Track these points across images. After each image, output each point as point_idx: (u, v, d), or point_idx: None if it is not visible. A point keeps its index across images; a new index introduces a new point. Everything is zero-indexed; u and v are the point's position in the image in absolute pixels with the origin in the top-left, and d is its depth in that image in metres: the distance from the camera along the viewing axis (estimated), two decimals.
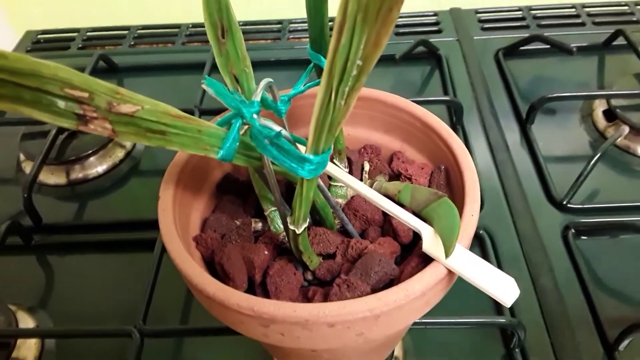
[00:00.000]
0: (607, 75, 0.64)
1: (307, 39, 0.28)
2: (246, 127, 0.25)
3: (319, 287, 0.28)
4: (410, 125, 0.32)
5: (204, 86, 0.25)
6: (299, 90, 0.28)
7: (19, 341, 0.41)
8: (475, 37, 0.71)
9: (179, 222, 0.28)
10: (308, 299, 0.27)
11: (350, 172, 0.33)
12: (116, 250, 0.50)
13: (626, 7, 0.73)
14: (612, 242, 0.47)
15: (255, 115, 0.23)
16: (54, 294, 0.47)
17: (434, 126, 0.31)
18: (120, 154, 0.59)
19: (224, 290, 0.24)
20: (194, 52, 0.72)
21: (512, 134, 0.57)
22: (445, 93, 0.62)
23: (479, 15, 0.74)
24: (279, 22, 0.76)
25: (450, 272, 0.24)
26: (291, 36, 0.74)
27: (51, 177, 0.57)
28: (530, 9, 0.75)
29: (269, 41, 0.73)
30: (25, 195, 0.49)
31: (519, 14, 0.74)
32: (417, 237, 0.29)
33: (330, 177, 0.32)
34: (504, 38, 0.69)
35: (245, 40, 0.78)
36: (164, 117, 0.21)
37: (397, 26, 0.74)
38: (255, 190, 0.31)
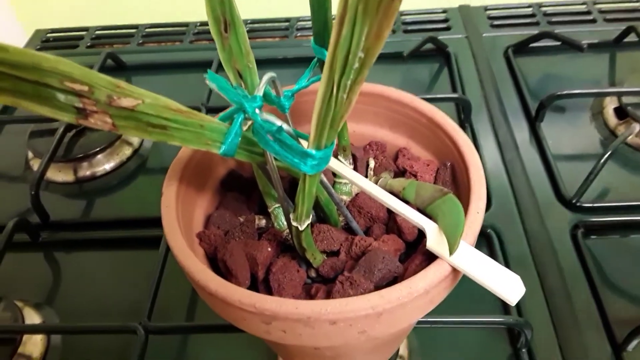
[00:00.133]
0: (618, 73, 0.63)
1: None
2: (250, 122, 0.25)
3: (322, 285, 0.27)
4: (416, 121, 0.32)
5: (208, 82, 0.25)
6: (303, 85, 0.28)
7: (25, 337, 0.42)
8: (484, 34, 0.70)
9: (182, 219, 0.28)
10: (311, 296, 0.27)
11: (355, 169, 0.33)
12: (123, 247, 0.50)
13: (638, 4, 0.72)
14: (621, 242, 0.46)
15: (257, 110, 0.23)
16: (61, 290, 0.47)
17: (440, 122, 0.31)
18: (127, 151, 0.59)
19: (226, 286, 0.23)
20: (201, 50, 0.72)
21: (521, 132, 0.57)
22: (454, 91, 0.62)
23: (488, 12, 0.74)
24: (287, 19, 0.76)
25: (454, 270, 0.24)
26: (299, 34, 0.73)
27: (59, 174, 0.57)
28: (540, 5, 0.74)
29: (276, 39, 0.73)
30: (33, 193, 0.50)
31: (528, 10, 0.73)
32: (422, 235, 0.28)
33: (334, 174, 0.32)
34: (513, 35, 0.69)
35: (253, 38, 0.78)
36: (165, 111, 0.21)
37: (405, 23, 0.74)
38: (259, 187, 0.30)
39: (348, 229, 0.31)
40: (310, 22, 0.80)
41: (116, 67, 0.69)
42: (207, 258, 0.29)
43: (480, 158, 0.52)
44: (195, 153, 0.30)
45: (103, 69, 0.65)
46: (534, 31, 0.67)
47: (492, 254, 0.45)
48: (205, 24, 0.77)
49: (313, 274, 0.29)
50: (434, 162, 0.32)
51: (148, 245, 0.48)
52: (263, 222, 0.31)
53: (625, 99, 0.56)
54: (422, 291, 0.23)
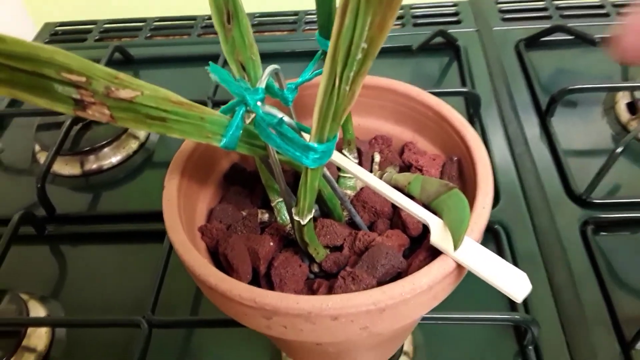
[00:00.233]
0: (631, 67, 0.62)
1: None
2: (253, 115, 0.25)
3: (324, 280, 0.27)
4: (422, 115, 0.31)
5: (210, 74, 0.25)
6: (307, 77, 0.27)
7: (30, 330, 0.42)
8: (495, 28, 0.69)
9: (184, 213, 0.28)
10: (313, 292, 0.26)
11: (360, 163, 0.32)
12: (128, 241, 0.50)
13: None
14: (632, 238, 0.45)
15: (259, 103, 0.23)
16: (66, 283, 0.47)
17: (447, 116, 0.30)
18: (134, 145, 0.59)
19: (226, 281, 0.23)
20: (209, 44, 0.72)
21: (532, 127, 0.56)
22: (463, 85, 0.61)
23: (499, 5, 0.73)
24: (295, 13, 0.75)
25: (459, 266, 0.23)
26: (307, 27, 0.73)
27: (65, 167, 0.57)
28: None
29: (284, 32, 0.73)
30: (39, 186, 0.50)
31: (541, 3, 0.72)
32: (426, 230, 0.28)
33: (339, 168, 0.31)
34: (525, 29, 0.68)
35: (260, 31, 0.78)
36: (164, 103, 0.21)
37: (415, 17, 0.73)
38: (262, 181, 0.30)
39: (352, 224, 0.30)
40: None
41: (124, 61, 0.69)
42: (209, 252, 0.29)
43: (489, 153, 0.52)
44: (198, 146, 0.30)
45: (111, 62, 0.65)
46: (546, 25, 0.66)
47: (499, 250, 0.45)
48: None
49: (316, 269, 0.29)
50: (441, 157, 0.31)
51: (153, 239, 0.48)
52: (266, 216, 0.30)
53: (638, 94, 0.54)
54: (425, 287, 0.23)
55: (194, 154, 0.30)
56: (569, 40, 0.64)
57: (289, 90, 0.26)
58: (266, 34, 0.73)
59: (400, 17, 0.72)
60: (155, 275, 0.43)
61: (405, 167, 0.32)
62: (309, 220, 0.25)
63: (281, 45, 0.70)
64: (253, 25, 0.74)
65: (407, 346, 0.39)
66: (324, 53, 0.28)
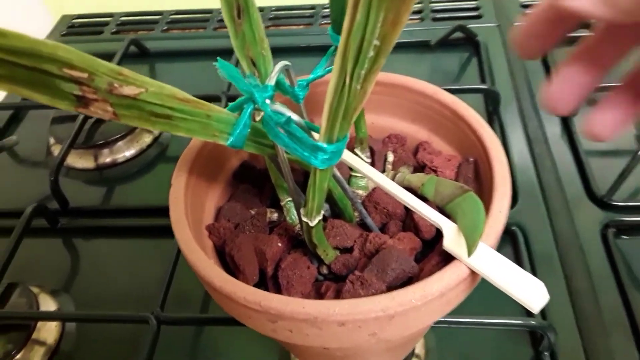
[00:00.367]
0: None
1: None
2: (262, 113, 0.24)
3: (333, 282, 0.26)
4: (438, 114, 0.30)
5: (219, 71, 0.24)
6: (318, 74, 0.27)
7: (40, 323, 0.42)
8: (517, 23, 0.67)
9: (191, 211, 0.28)
10: (320, 295, 0.26)
11: (373, 163, 0.31)
12: (141, 235, 0.50)
13: None
14: None
15: (267, 101, 0.22)
16: (78, 277, 0.47)
17: (464, 115, 0.29)
18: (147, 139, 0.59)
19: (231, 283, 0.23)
20: (225, 38, 0.71)
21: (552, 126, 0.54)
22: (483, 81, 0.60)
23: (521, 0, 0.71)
24: (312, 7, 0.74)
25: (473, 273, 0.23)
26: (323, 22, 0.72)
27: (79, 161, 0.57)
28: None
29: (301, 26, 0.72)
30: (52, 179, 0.50)
31: None
32: (440, 233, 0.27)
33: (351, 168, 0.31)
34: None
35: (277, 25, 0.77)
36: (170, 100, 0.20)
37: (434, 11, 0.71)
38: (272, 180, 0.29)
39: (363, 225, 0.29)
40: None
41: (140, 54, 0.69)
42: (217, 251, 0.28)
43: (508, 152, 0.51)
44: (207, 143, 0.29)
45: (126, 55, 0.65)
46: None
47: (516, 253, 0.44)
48: None
49: (325, 270, 0.28)
50: (456, 157, 0.30)
51: (166, 234, 0.47)
52: (275, 215, 0.30)
53: None
54: (437, 294, 0.22)
55: (203, 151, 0.29)
56: None
57: (299, 88, 0.25)
58: (282, 27, 0.72)
59: (418, 12, 0.71)
60: (165, 271, 0.42)
61: (420, 168, 0.31)
62: (318, 222, 0.24)
63: (297, 39, 0.69)
64: (269, 19, 0.73)
65: (419, 349, 0.38)
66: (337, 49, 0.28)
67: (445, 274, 0.22)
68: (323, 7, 0.74)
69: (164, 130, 0.21)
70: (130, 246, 0.49)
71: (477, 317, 0.37)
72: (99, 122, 0.58)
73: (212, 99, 0.57)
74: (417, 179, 0.28)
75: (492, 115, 0.55)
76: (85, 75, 0.18)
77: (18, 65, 0.17)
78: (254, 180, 0.31)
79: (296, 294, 0.26)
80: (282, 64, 0.23)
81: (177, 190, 0.27)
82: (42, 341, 0.42)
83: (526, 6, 0.70)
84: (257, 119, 0.25)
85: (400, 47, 0.61)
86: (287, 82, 0.26)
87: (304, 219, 0.24)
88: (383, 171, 0.32)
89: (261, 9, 0.74)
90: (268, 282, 0.27)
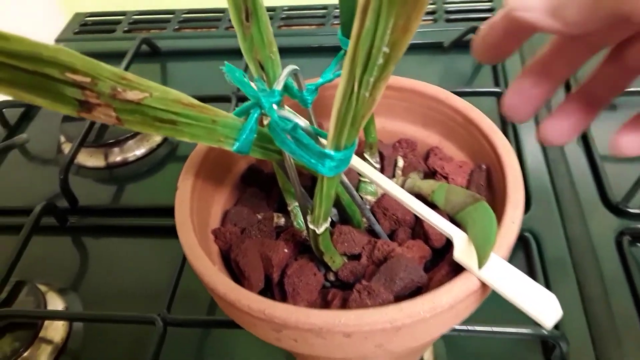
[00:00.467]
0: None
1: None
2: (270, 118, 0.24)
3: (340, 290, 0.26)
4: (450, 119, 0.30)
5: (226, 76, 0.24)
6: (328, 78, 0.26)
7: (47, 322, 0.42)
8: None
9: (197, 215, 0.27)
10: (327, 302, 0.25)
11: (382, 168, 0.31)
12: (150, 235, 0.50)
13: None
14: None
15: (274, 106, 0.21)
16: (86, 276, 0.47)
17: (476, 121, 0.28)
18: (157, 138, 0.59)
19: (235, 290, 0.22)
20: (236, 38, 0.71)
21: None
22: (497, 84, 0.59)
23: None
24: (324, 7, 0.74)
25: (483, 285, 0.22)
26: (336, 22, 0.71)
27: (90, 159, 0.57)
28: None
29: (313, 27, 0.71)
30: (62, 177, 0.50)
31: None
32: (450, 241, 0.26)
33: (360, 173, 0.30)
34: None
35: (288, 25, 0.76)
36: (175, 105, 0.20)
37: (447, 12, 0.70)
38: (279, 184, 0.29)
39: (372, 231, 0.29)
40: None
41: (151, 53, 0.69)
42: (222, 256, 0.28)
43: (521, 156, 0.50)
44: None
45: (138, 54, 0.65)
46: None
47: (528, 260, 0.43)
48: None
49: (332, 277, 0.27)
50: (468, 164, 0.29)
51: (176, 235, 0.47)
52: (282, 220, 0.29)
53: None
54: (446, 306, 0.21)
55: (210, 153, 0.29)
56: None
57: (308, 92, 0.25)
58: (294, 27, 0.71)
59: (432, 12, 0.70)
60: (172, 272, 0.42)
61: (430, 174, 0.30)
62: (325, 229, 0.24)
63: (309, 39, 0.68)
64: (281, 19, 0.72)
65: (428, 355, 0.38)
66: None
67: (455, 285, 0.21)
68: (335, 7, 0.73)
69: (169, 135, 0.20)
70: (139, 246, 0.49)
71: (487, 325, 0.36)
72: None
73: (223, 99, 0.57)
74: (427, 185, 0.27)
75: (506, 119, 0.54)
76: (88, 79, 0.18)
77: (20, 69, 0.17)
78: (261, 184, 0.31)
79: (302, 302, 0.25)
80: (290, 68, 0.23)
81: (183, 193, 0.27)
82: (49, 340, 0.42)
83: None
84: (265, 123, 0.25)
85: (413, 48, 0.60)
86: (295, 86, 0.26)
87: (311, 227, 0.24)
88: (393, 176, 0.31)
89: (273, 9, 0.74)
90: (274, 288, 0.26)
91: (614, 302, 0.40)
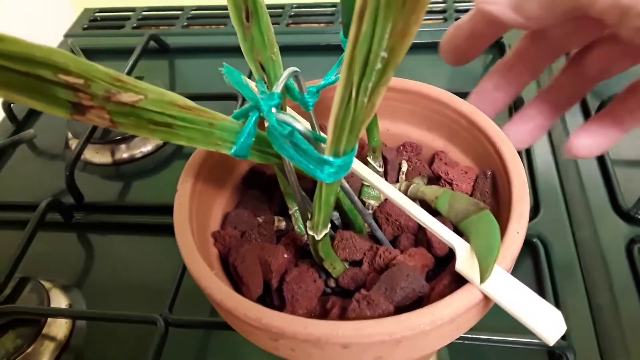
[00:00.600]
0: None
1: None
2: None
3: (340, 298, 0.25)
4: (454, 122, 0.29)
5: (225, 78, 0.23)
6: (330, 81, 0.26)
7: (50, 319, 0.42)
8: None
9: (197, 217, 0.27)
10: (326, 311, 0.25)
11: (386, 172, 0.30)
12: (156, 233, 0.49)
13: None
14: None
15: (273, 109, 0.21)
16: (90, 273, 0.47)
17: (480, 125, 0.28)
18: None
19: (231, 298, 0.22)
20: None
21: None
22: None
23: None
24: (333, 5, 0.73)
25: (486, 297, 0.21)
26: None
27: (96, 156, 0.57)
28: None
29: (321, 25, 0.71)
30: (67, 173, 0.50)
31: None
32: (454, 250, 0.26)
33: None
34: None
35: (297, 23, 0.75)
36: (170, 108, 0.19)
37: (458, 11, 0.69)
38: (280, 187, 0.28)
39: (374, 236, 0.28)
40: None
41: (159, 50, 0.69)
42: (222, 259, 0.27)
43: (530, 159, 0.49)
44: None
45: (145, 51, 0.64)
46: None
47: (536, 266, 0.42)
48: None
49: (332, 284, 0.27)
50: (473, 169, 0.29)
51: None
52: (283, 224, 0.29)
53: None
54: (446, 319, 0.21)
55: (212, 154, 0.29)
56: None
57: (309, 94, 0.24)
58: (303, 25, 0.71)
59: (442, 12, 0.69)
60: (174, 272, 0.42)
61: (435, 178, 0.30)
62: (325, 235, 0.23)
63: (318, 37, 0.68)
64: (290, 17, 0.72)
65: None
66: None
67: (456, 298, 0.21)
68: None
69: (164, 139, 0.20)
70: (145, 243, 0.49)
71: (493, 334, 0.35)
72: None
73: (230, 97, 0.57)
74: (430, 191, 0.27)
75: None
76: (81, 81, 0.17)
77: (13, 71, 0.17)
78: (263, 187, 0.31)
79: (301, 309, 0.25)
80: (290, 70, 0.22)
81: (182, 196, 0.26)
82: (52, 336, 0.42)
83: None
84: (266, 125, 0.24)
85: (422, 47, 0.59)
86: (297, 88, 0.25)
87: (310, 233, 0.23)
88: (397, 181, 0.30)
89: (282, 6, 0.73)
90: (273, 294, 0.26)
91: (623, 311, 0.39)
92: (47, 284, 0.44)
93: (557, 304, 0.39)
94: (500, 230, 0.23)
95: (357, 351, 0.21)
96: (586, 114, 0.53)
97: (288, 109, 0.28)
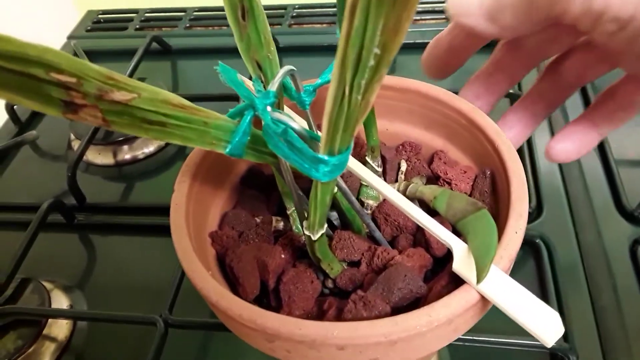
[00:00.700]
0: None
1: None
2: None
3: (337, 299, 0.25)
4: (454, 121, 0.29)
5: (220, 76, 0.23)
6: (326, 80, 0.25)
7: (51, 320, 0.42)
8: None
9: (195, 217, 0.27)
10: (323, 312, 0.24)
11: (384, 171, 0.30)
12: (158, 234, 0.49)
13: None
14: None
15: (268, 108, 0.21)
16: (92, 274, 0.47)
17: (480, 124, 0.27)
18: None
19: (227, 299, 0.22)
20: None
21: None
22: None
23: None
24: (335, 5, 0.73)
25: (483, 298, 0.21)
26: None
27: (99, 157, 0.57)
28: None
29: (324, 25, 0.71)
30: (69, 174, 0.50)
31: None
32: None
33: None
34: None
35: (299, 23, 0.75)
36: (164, 106, 0.19)
37: None
38: (279, 187, 0.28)
39: (373, 237, 0.28)
40: None
41: (162, 51, 0.69)
42: (219, 260, 0.27)
43: (533, 159, 0.49)
44: None
45: (148, 52, 0.65)
46: None
47: (539, 267, 0.42)
48: None
49: (330, 284, 0.27)
50: (473, 169, 0.28)
51: None
52: (281, 224, 0.29)
53: None
54: (443, 320, 0.20)
55: (210, 154, 0.28)
56: None
57: (306, 93, 0.24)
58: (305, 26, 0.71)
59: (443, 11, 0.69)
60: (174, 273, 0.42)
61: (434, 178, 0.29)
62: (321, 236, 0.23)
63: (320, 38, 0.68)
64: (292, 17, 0.72)
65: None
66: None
67: (453, 299, 0.21)
68: None
69: (158, 138, 0.20)
70: (146, 244, 0.49)
71: (494, 336, 0.35)
72: None
73: (233, 97, 0.57)
74: (429, 191, 0.27)
75: None
76: (73, 79, 0.17)
77: (6, 70, 0.16)
78: (261, 187, 0.30)
79: (297, 310, 0.24)
80: (286, 68, 0.22)
81: (179, 196, 0.26)
82: (53, 337, 0.42)
83: None
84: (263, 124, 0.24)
85: (422, 47, 0.59)
86: (293, 86, 0.25)
87: (306, 233, 0.23)
88: (396, 181, 0.30)
89: (284, 7, 0.73)
90: (270, 294, 0.26)
91: (627, 313, 0.38)
92: (48, 285, 0.44)
93: (560, 306, 0.39)
94: (499, 230, 0.22)
95: (353, 352, 0.21)
96: None
97: (285, 108, 0.28)
